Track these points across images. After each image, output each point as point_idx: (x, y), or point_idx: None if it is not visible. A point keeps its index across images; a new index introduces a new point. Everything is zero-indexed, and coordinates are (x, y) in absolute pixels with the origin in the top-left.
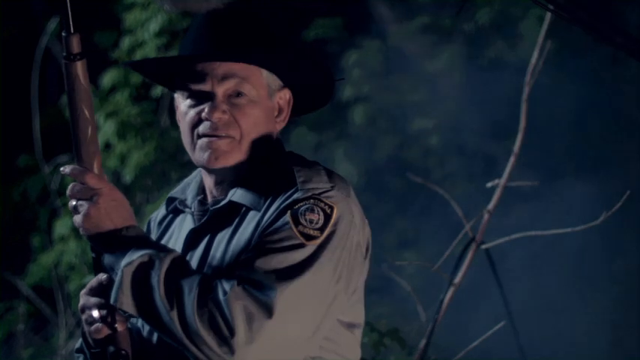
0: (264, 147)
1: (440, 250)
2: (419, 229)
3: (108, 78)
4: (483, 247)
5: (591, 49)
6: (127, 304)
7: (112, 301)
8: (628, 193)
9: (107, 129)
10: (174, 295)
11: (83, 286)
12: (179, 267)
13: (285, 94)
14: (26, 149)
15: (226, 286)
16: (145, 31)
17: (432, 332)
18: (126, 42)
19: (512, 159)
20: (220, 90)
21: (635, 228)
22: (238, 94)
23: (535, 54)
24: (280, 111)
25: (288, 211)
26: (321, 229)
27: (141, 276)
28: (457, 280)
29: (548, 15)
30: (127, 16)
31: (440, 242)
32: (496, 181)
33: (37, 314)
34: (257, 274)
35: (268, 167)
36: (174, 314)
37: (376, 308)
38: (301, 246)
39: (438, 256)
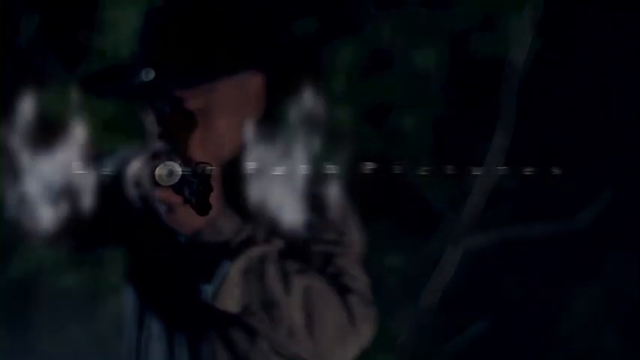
0: None
1: (423, 249)
2: (402, 228)
3: None
4: (466, 245)
5: (580, 46)
6: (232, 304)
7: (210, 299)
8: (608, 193)
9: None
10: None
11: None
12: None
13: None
14: None
15: (341, 287)
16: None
17: (417, 332)
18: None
19: (496, 156)
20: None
21: (622, 227)
22: None
23: (523, 51)
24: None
25: None
26: None
27: (252, 272)
28: (441, 278)
29: (538, 12)
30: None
31: (423, 241)
32: (480, 178)
33: None
34: (359, 287)
35: None
36: (296, 304)
37: None
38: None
39: (421, 255)
